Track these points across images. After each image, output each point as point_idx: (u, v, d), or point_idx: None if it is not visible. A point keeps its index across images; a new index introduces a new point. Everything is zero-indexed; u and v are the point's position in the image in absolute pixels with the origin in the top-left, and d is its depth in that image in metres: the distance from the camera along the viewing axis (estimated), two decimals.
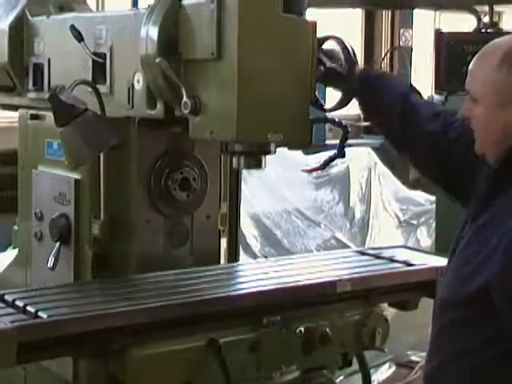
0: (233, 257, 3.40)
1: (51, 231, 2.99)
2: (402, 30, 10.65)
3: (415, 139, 2.57)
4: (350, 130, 2.91)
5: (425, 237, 6.47)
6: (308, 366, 2.73)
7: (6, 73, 3.30)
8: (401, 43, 10.56)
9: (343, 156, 2.93)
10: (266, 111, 2.53)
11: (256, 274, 2.88)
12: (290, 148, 2.80)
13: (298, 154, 5.61)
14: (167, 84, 2.64)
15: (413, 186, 6.58)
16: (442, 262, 3.02)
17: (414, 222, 6.55)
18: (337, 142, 2.86)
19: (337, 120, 2.85)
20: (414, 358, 5.96)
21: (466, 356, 2.15)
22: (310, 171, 3.24)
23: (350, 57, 2.63)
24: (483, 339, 2.11)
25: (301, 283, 2.77)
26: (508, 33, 2.83)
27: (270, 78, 2.53)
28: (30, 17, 3.32)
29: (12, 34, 3.27)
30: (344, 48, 2.65)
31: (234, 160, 2.65)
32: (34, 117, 3.19)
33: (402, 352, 5.69)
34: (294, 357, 2.68)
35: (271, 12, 2.52)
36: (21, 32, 3.31)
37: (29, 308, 2.41)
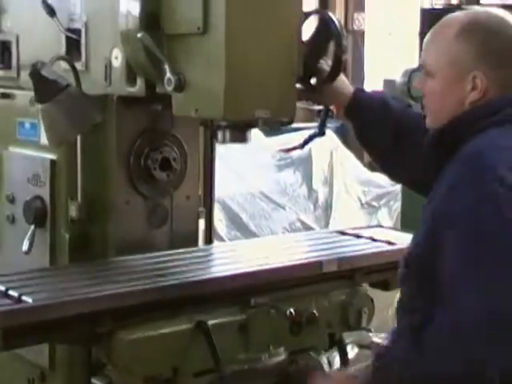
0: (208, 239, 3.34)
1: (25, 214, 2.89)
2: (355, 14, 10.67)
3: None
4: (332, 108, 2.87)
5: (386, 218, 6.50)
6: (296, 347, 2.68)
7: None
8: (354, 27, 10.58)
9: (323, 134, 2.89)
10: (253, 87, 2.47)
11: (241, 255, 2.83)
12: (272, 125, 2.75)
13: (260, 136, 5.55)
14: (149, 60, 2.56)
15: (371, 168, 6.62)
16: None
17: (376, 203, 6.57)
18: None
19: None
20: (375, 340, 5.97)
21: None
22: (289, 150, 3.20)
23: (337, 31, 2.57)
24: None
25: (287, 264, 2.72)
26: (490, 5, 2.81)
27: (257, 53, 2.46)
28: None
29: None
30: (331, 21, 2.58)
31: (220, 134, 2.59)
32: (4, 96, 3.07)
33: (363, 334, 5.68)
34: (282, 338, 2.63)
35: None
36: None
37: (11, 292, 2.31)
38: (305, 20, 2.62)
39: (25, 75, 3.10)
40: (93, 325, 2.33)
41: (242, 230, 5.34)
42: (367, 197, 6.54)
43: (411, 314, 2.10)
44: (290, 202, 5.88)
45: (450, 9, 4.78)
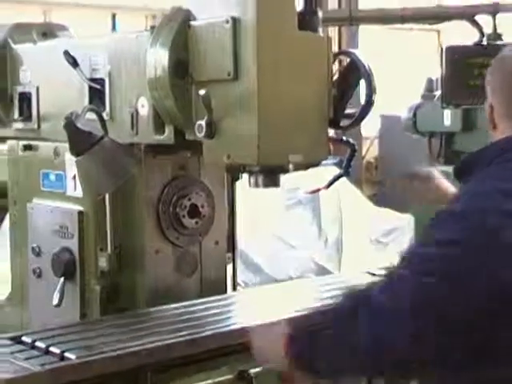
0: (234, 284, 3.30)
1: (53, 267, 2.85)
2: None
3: None
4: (357, 148, 2.86)
5: (395, 254, 6.46)
6: None
7: None
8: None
9: (348, 174, 2.89)
10: (286, 131, 2.45)
11: (275, 301, 2.78)
12: (303, 168, 2.75)
13: None
14: (178, 107, 2.55)
15: (376, 202, 6.64)
16: None
17: (384, 239, 6.53)
18: None
19: (344, 139, 2.80)
20: None
21: None
22: (314, 192, 3.17)
23: (367, 72, 2.56)
24: None
25: (324, 308, 2.68)
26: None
27: (288, 97, 2.45)
28: (13, 45, 3.19)
29: None
30: (360, 62, 2.57)
31: (252, 179, 2.57)
32: (27, 148, 3.05)
33: None
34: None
35: (288, 30, 2.44)
36: (4, 61, 3.18)
37: (53, 349, 2.26)
38: (334, 62, 2.61)
39: (45, 126, 3.09)
40: (135, 379, 2.28)
41: (256, 272, 5.28)
42: (375, 233, 6.52)
43: None
44: (301, 242, 5.83)
45: (469, 46, 4.73)
